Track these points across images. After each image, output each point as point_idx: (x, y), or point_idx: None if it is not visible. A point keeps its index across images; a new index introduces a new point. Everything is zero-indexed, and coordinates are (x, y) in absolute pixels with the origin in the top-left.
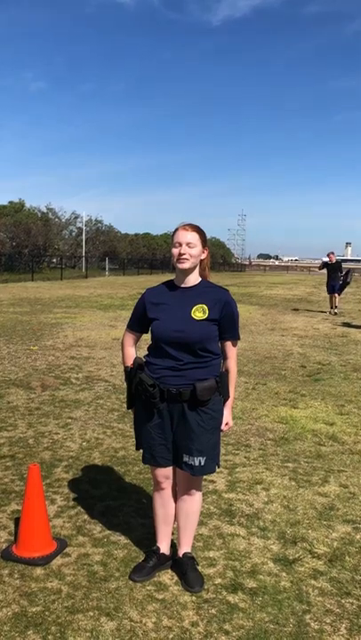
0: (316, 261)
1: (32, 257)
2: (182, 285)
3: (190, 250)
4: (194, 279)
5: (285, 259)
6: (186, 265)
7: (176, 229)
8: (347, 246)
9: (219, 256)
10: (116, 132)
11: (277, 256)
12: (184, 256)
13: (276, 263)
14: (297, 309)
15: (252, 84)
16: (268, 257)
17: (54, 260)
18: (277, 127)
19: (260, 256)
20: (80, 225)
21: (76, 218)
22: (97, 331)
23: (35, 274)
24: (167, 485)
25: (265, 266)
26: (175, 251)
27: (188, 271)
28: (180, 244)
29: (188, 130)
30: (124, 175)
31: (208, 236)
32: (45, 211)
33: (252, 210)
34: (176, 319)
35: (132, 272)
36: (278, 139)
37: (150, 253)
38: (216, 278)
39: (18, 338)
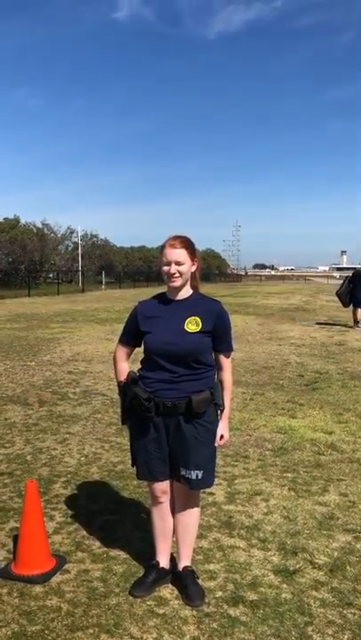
0: (312, 270)
1: (28, 272)
2: (175, 298)
3: (180, 267)
4: (186, 291)
5: (281, 268)
6: (177, 284)
7: (164, 245)
8: (342, 254)
9: (214, 267)
10: (112, 145)
11: (273, 266)
12: (175, 275)
13: (272, 273)
14: (294, 318)
15: (248, 96)
16: (263, 267)
17: (51, 275)
18: (272, 138)
19: (256, 266)
20: (76, 239)
21: (72, 233)
22: (94, 345)
23: (31, 289)
24: (165, 500)
25: (261, 276)
26: (165, 269)
27: (180, 287)
28: (170, 263)
29: (183, 142)
30: (118, 188)
31: (203, 248)
32: (41, 226)
33: (247, 220)
34: (169, 332)
35: (128, 285)
36: (272, 149)
37: (146, 266)
38: (212, 289)
39: (15, 354)
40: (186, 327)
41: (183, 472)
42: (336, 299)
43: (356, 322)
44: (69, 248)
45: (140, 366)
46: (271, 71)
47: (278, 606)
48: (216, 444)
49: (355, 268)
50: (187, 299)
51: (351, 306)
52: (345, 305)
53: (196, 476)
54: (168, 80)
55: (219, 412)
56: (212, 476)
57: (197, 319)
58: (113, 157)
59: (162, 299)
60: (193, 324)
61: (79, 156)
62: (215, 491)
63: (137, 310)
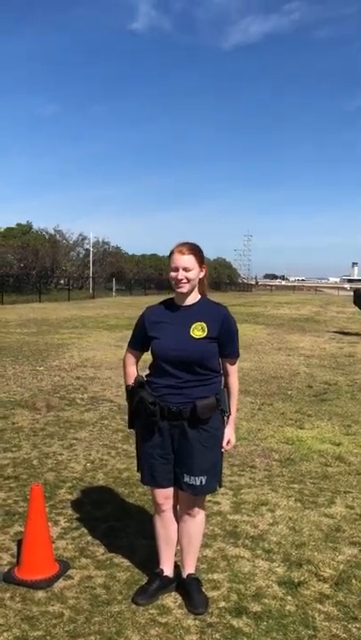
0: (323, 281)
1: (39, 278)
2: (182, 304)
3: (187, 274)
4: (193, 297)
5: (292, 278)
6: (184, 289)
7: (172, 252)
8: (353, 266)
9: (225, 276)
10: (125, 154)
11: (284, 276)
12: (182, 281)
13: (283, 283)
14: (304, 329)
15: (262, 106)
16: (274, 277)
17: (62, 282)
18: (285, 147)
19: (267, 276)
20: (87, 246)
21: (84, 239)
22: (103, 351)
23: (42, 295)
24: (167, 507)
25: (271, 286)
26: (173, 275)
27: (187, 293)
28: (177, 269)
29: (197, 152)
30: (130, 197)
31: (214, 257)
32: (53, 233)
33: (258, 230)
34: (176, 338)
35: (138, 292)
36: (285, 158)
37: (157, 274)
38: (222, 298)
39: (24, 358)
40: (192, 333)
41: (187, 479)
42: (347, 310)
43: None
44: (81, 255)
45: (148, 372)
46: (286, 82)
47: (282, 618)
48: (223, 449)
49: None
50: (194, 304)
51: None
52: None
53: (200, 482)
54: (183, 89)
55: (225, 417)
56: (215, 481)
57: (203, 325)
58: (126, 166)
59: (169, 304)
60: (199, 330)
61: (93, 164)
62: (221, 500)
63: (144, 316)
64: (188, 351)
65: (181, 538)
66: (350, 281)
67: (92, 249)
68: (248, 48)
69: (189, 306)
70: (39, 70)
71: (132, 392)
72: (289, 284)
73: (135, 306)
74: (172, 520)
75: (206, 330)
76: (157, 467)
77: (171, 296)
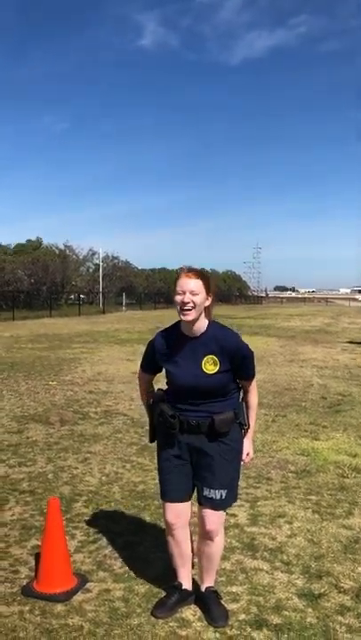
0: (334, 292)
1: (50, 293)
2: (190, 335)
3: (194, 297)
4: (201, 325)
5: (302, 290)
6: (190, 317)
7: (179, 275)
8: None
9: (235, 289)
10: (134, 171)
11: (294, 288)
12: (188, 305)
13: (293, 295)
14: (316, 340)
15: (270, 119)
16: (284, 289)
17: (72, 297)
18: (294, 159)
19: (277, 288)
20: (97, 261)
21: (93, 254)
22: (115, 365)
23: (53, 310)
24: (178, 526)
25: (282, 298)
26: (178, 298)
27: (193, 321)
28: (184, 292)
29: (206, 166)
30: (140, 211)
31: (224, 270)
32: (63, 248)
33: (268, 242)
34: (189, 373)
35: (148, 307)
36: (294, 171)
37: (167, 287)
38: (232, 311)
39: (36, 373)
40: (204, 368)
41: (207, 492)
42: (358, 321)
43: None
44: (91, 270)
45: (166, 387)
46: (294, 94)
47: (303, 631)
48: (242, 462)
49: None
50: (203, 334)
51: None
52: None
53: (220, 496)
54: (190, 105)
55: (243, 430)
56: (234, 495)
57: (215, 358)
58: (135, 183)
59: (178, 334)
60: (211, 364)
61: (103, 181)
62: (238, 512)
63: (155, 346)
64: (202, 386)
65: (200, 558)
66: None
67: (101, 264)
68: (254, 62)
69: (198, 337)
70: (51, 90)
71: (153, 405)
72: (299, 295)
73: (146, 320)
74: (184, 538)
75: (218, 364)
76: (175, 479)
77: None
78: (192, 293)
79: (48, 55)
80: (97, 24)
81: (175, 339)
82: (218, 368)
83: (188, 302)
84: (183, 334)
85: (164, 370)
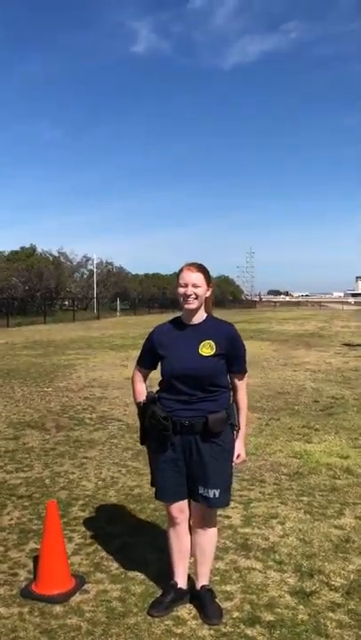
0: (327, 296)
1: (44, 300)
2: (189, 323)
3: (196, 290)
4: (200, 316)
5: (296, 294)
6: (192, 306)
7: (181, 269)
8: (357, 280)
9: (228, 293)
10: (128, 175)
11: (288, 292)
12: (191, 297)
13: (287, 299)
14: (309, 344)
15: (263, 122)
16: (278, 293)
17: (66, 303)
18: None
19: (271, 292)
20: (91, 267)
21: (88, 260)
22: (109, 371)
23: (47, 316)
24: (182, 520)
25: (275, 302)
26: (181, 291)
27: (195, 310)
28: (187, 285)
29: (197, 170)
30: (133, 216)
31: (217, 275)
32: (57, 254)
33: (260, 246)
34: (185, 356)
35: (142, 312)
36: (286, 174)
37: (160, 293)
38: (226, 315)
39: (31, 380)
40: (200, 351)
41: (202, 491)
42: (352, 324)
43: None
44: (85, 276)
45: (158, 388)
46: (286, 99)
47: (295, 627)
48: (234, 463)
49: None
50: (201, 323)
51: None
52: None
53: (215, 495)
54: (183, 111)
55: (235, 432)
56: (228, 494)
57: (211, 343)
58: (129, 187)
59: (177, 323)
60: (207, 348)
61: (95, 187)
62: (231, 514)
63: (153, 335)
64: (197, 369)
65: (195, 550)
66: (354, 295)
67: (95, 269)
68: (247, 67)
69: (197, 324)
70: (41, 95)
71: (145, 408)
72: (293, 299)
73: (139, 325)
74: (185, 532)
75: (215, 347)
76: (170, 481)
77: (175, 315)
78: (194, 286)
79: (42, 61)
80: (91, 30)
81: (174, 327)
82: (214, 352)
83: (191, 294)
84: (182, 323)
85: (158, 367)
